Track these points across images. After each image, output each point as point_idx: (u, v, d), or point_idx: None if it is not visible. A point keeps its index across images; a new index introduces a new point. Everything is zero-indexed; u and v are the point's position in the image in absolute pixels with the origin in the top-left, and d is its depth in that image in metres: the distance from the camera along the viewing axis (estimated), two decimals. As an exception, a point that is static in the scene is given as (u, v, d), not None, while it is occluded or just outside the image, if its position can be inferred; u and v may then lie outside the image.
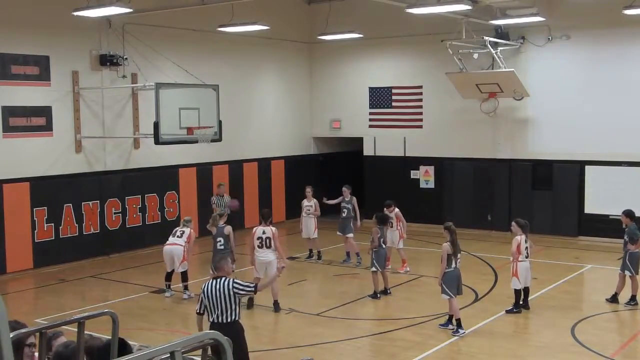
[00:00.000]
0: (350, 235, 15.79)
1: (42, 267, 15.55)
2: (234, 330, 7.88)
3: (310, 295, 13.49)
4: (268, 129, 21.36)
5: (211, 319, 7.97)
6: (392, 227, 14.59)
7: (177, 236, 13.24)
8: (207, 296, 7.96)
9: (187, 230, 13.27)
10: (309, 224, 16.07)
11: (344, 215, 16.01)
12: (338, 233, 16.06)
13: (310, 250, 16.48)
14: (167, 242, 13.32)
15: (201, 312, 8.12)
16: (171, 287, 13.35)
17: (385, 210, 14.41)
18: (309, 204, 16.10)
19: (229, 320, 7.92)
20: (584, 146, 18.26)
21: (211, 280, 8.17)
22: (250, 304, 12.17)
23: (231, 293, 7.91)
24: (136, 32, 16.80)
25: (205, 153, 18.76)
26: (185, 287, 13.19)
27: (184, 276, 13.21)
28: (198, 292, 12.76)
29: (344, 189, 16.16)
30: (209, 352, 3.34)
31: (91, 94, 16.54)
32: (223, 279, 8.07)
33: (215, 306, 7.92)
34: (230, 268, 8.54)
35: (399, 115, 21.21)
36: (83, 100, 16.41)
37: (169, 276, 13.33)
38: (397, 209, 14.83)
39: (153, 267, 15.93)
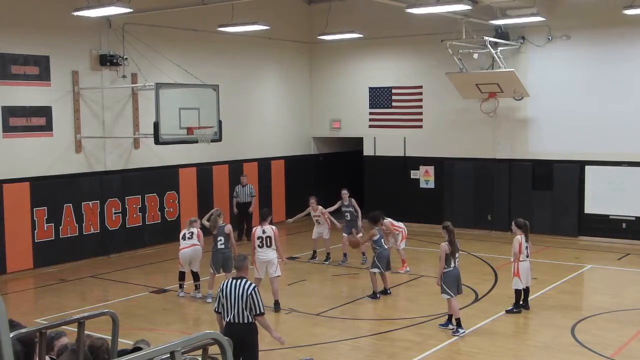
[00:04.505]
0: (359, 235, 15.82)
1: (42, 267, 15.54)
2: (249, 332, 7.86)
3: (310, 295, 13.48)
4: (268, 129, 21.35)
5: (227, 318, 7.90)
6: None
7: (189, 238, 13.21)
8: (225, 295, 7.89)
9: (195, 230, 13.29)
10: (323, 228, 16.07)
11: (348, 218, 16.07)
12: (344, 235, 16.04)
13: (314, 252, 16.45)
14: (183, 245, 13.16)
15: (219, 310, 8.02)
16: (184, 286, 13.38)
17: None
18: (316, 214, 16.07)
19: (245, 321, 7.85)
20: (584, 146, 18.25)
21: (231, 279, 8.09)
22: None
23: (248, 298, 7.82)
24: (136, 32, 16.79)
25: (205, 153, 18.75)
26: (197, 287, 13.24)
27: (197, 276, 13.25)
28: (205, 293, 12.91)
29: (343, 192, 16.15)
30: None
31: (91, 94, 16.54)
32: (244, 280, 7.99)
33: (233, 306, 7.84)
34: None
35: (399, 116, 21.20)
36: (83, 100, 16.41)
37: (183, 276, 13.34)
38: (386, 220, 14.47)
39: (153, 267, 15.95)
